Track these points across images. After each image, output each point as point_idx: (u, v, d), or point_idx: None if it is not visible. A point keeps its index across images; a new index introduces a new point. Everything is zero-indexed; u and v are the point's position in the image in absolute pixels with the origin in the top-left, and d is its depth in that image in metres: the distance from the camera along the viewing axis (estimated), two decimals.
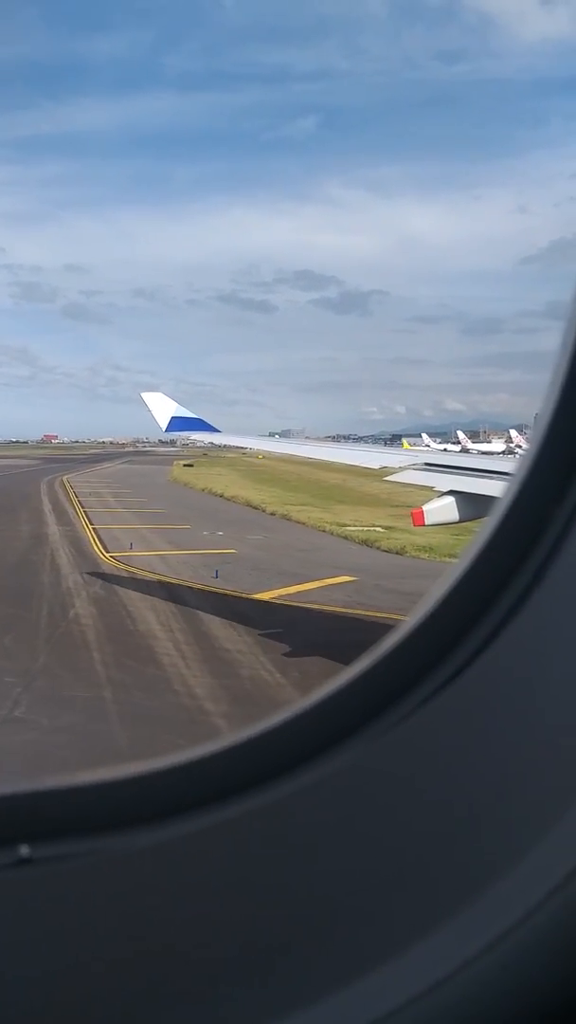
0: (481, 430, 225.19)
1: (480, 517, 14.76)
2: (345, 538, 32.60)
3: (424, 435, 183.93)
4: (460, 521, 14.38)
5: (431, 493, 15.22)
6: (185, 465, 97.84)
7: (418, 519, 14.52)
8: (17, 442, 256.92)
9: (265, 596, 19.31)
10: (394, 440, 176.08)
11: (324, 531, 34.89)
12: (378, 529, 36.35)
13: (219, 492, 55.05)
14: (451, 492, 14.19)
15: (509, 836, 1.02)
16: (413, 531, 38.05)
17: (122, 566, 23.79)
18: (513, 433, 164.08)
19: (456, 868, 1.02)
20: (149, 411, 21.81)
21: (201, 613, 17.75)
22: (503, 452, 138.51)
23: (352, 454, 21.39)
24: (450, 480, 14.60)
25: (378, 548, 29.72)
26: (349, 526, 36.57)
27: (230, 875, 1.02)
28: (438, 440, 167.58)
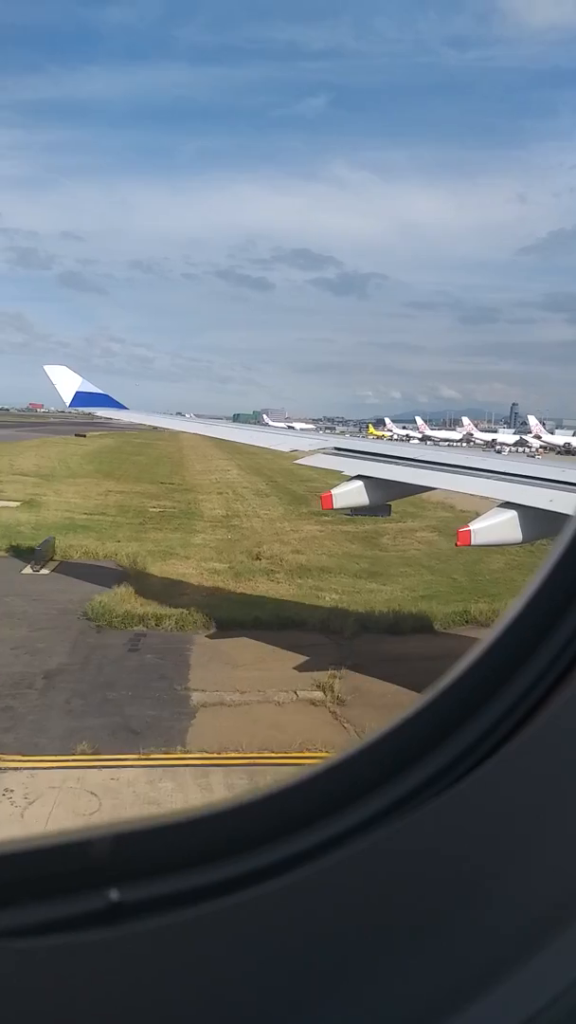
0: (448, 418, 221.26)
1: (388, 501, 14.96)
2: None
3: (387, 419, 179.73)
4: (370, 505, 14.29)
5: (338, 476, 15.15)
6: (77, 435, 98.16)
7: (326, 502, 14.40)
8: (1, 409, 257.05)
9: None
10: (378, 424, 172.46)
11: None
12: (12, 504, 34.09)
13: None
14: (359, 476, 14.16)
15: (493, 954, 1.05)
16: (52, 507, 35.05)
17: None
18: (465, 420, 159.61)
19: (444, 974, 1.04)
20: (53, 385, 21.67)
21: None
22: (460, 440, 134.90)
23: (262, 437, 21.56)
24: (358, 465, 14.67)
25: None
26: None
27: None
28: (402, 426, 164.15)
